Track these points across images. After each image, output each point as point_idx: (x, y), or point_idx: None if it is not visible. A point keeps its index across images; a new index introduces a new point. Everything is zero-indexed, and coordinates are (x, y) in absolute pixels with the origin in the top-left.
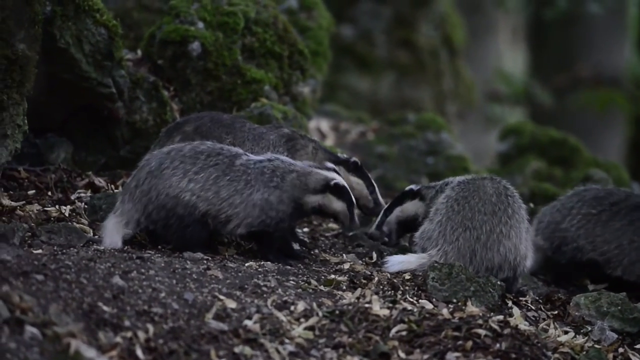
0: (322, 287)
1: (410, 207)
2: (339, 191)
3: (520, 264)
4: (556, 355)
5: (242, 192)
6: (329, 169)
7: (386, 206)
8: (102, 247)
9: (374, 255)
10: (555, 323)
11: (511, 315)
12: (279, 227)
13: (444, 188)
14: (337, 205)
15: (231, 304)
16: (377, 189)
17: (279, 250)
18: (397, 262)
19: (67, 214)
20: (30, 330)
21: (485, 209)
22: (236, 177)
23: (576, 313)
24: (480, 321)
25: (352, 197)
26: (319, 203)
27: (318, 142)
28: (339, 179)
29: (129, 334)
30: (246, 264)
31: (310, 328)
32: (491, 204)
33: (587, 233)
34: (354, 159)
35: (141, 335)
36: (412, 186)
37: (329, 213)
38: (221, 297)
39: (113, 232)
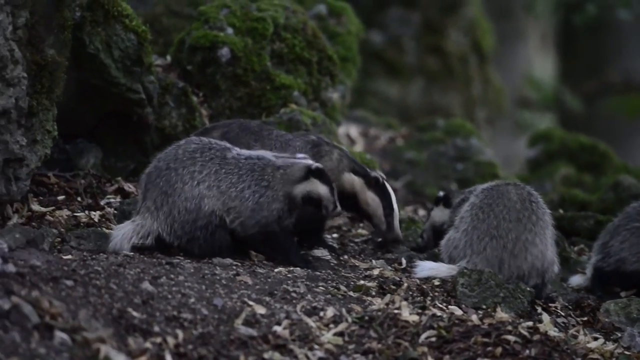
0: (351, 293)
1: (438, 213)
2: (320, 174)
3: (548, 270)
4: None
5: (236, 186)
6: (304, 158)
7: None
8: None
9: (404, 261)
10: (585, 329)
11: (541, 321)
12: (282, 226)
13: (469, 196)
14: (322, 188)
15: (260, 310)
16: (396, 213)
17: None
18: (427, 268)
19: (96, 220)
20: (60, 335)
21: (510, 216)
22: (230, 170)
23: (606, 319)
24: (509, 327)
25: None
26: (306, 190)
27: (345, 151)
28: (319, 164)
29: (159, 340)
30: (275, 270)
31: (340, 334)
32: (515, 210)
33: (631, 245)
34: (374, 174)
35: (170, 340)
36: (440, 193)
37: (315, 198)
38: (250, 302)
39: (124, 240)
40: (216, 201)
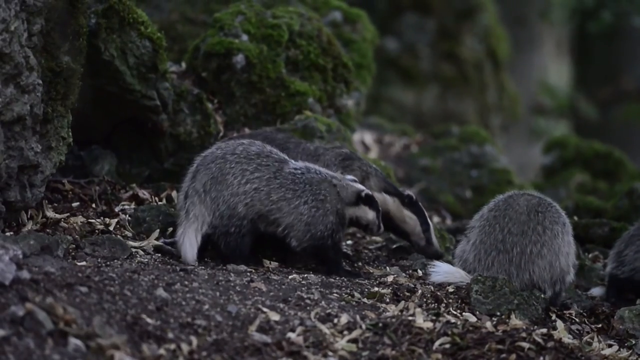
0: (365, 300)
1: None
2: (370, 201)
3: (558, 281)
4: None
5: (291, 202)
6: (354, 180)
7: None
8: (186, 262)
9: (419, 271)
10: (599, 336)
11: (555, 328)
12: (334, 240)
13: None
14: (370, 214)
15: (274, 317)
16: (432, 227)
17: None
18: (443, 271)
19: (111, 227)
20: (74, 342)
21: (515, 230)
22: (285, 183)
23: (620, 326)
24: (524, 334)
25: (379, 205)
26: (356, 214)
27: (375, 168)
28: (368, 191)
29: (173, 346)
30: (289, 277)
31: (354, 341)
32: (520, 223)
33: None
34: (407, 192)
35: (184, 347)
36: None
37: (363, 223)
38: (264, 309)
39: (193, 244)
40: (260, 206)
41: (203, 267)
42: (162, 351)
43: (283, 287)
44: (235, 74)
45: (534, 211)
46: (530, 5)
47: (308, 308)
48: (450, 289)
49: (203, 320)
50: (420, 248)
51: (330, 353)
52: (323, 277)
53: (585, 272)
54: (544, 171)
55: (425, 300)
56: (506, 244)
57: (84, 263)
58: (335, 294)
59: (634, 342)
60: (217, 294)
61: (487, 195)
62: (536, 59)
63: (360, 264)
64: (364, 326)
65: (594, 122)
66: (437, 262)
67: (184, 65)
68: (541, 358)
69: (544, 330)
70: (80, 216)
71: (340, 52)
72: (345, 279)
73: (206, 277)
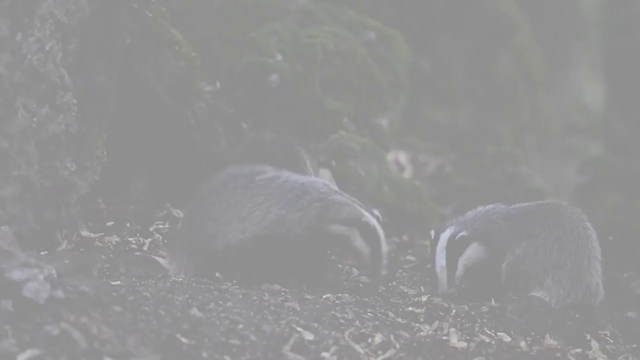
0: (399, 319)
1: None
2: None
3: (600, 288)
4: None
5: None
6: None
7: (443, 263)
8: (180, 279)
9: None
10: (634, 356)
11: (590, 348)
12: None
13: (494, 217)
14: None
15: (309, 336)
16: None
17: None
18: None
19: (145, 246)
20: None
21: (580, 234)
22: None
23: None
24: (558, 354)
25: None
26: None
27: None
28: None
29: None
30: (324, 296)
31: None
32: (583, 229)
33: None
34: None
35: None
36: (463, 232)
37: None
38: (299, 329)
39: None
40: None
41: (237, 287)
42: None
43: (317, 306)
44: (270, 94)
45: (585, 221)
46: (565, 24)
47: (342, 327)
48: (485, 309)
49: (237, 339)
50: None
51: None
52: (357, 296)
53: (621, 291)
54: (579, 191)
55: (459, 319)
56: (577, 247)
57: (118, 282)
58: (369, 314)
59: None
60: (252, 313)
61: None
62: (571, 77)
63: (394, 283)
64: (398, 346)
65: (629, 142)
66: None
67: (218, 84)
68: None
69: (579, 350)
70: (115, 235)
71: (375, 71)
72: (379, 299)
73: (240, 296)
